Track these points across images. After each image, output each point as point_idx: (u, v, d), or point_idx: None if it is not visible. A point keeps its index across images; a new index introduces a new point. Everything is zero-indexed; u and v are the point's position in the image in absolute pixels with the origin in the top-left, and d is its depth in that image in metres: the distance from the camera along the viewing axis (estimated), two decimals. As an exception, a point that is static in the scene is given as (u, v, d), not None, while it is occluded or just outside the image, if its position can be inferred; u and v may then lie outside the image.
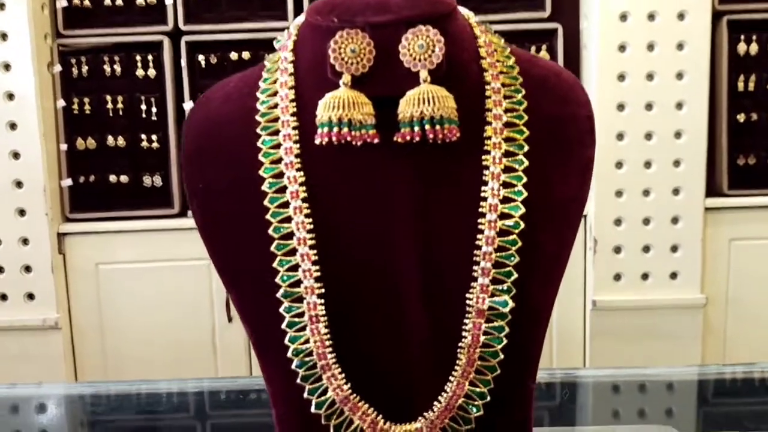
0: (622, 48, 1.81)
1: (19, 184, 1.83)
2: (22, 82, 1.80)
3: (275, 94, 0.63)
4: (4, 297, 1.87)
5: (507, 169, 0.61)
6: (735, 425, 1.24)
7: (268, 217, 0.61)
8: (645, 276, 1.85)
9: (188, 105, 1.91)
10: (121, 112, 1.91)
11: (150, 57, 1.90)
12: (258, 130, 0.63)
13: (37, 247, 1.84)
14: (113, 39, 1.89)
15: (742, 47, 1.88)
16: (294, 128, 0.62)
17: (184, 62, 1.89)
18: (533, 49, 1.89)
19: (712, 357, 1.88)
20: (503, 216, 0.60)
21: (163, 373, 1.88)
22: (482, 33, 0.65)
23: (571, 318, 1.87)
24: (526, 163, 0.61)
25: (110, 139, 1.91)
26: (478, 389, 0.60)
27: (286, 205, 0.61)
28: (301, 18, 0.66)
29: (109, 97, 1.90)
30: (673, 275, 1.84)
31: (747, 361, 1.85)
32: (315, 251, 0.60)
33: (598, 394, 1.41)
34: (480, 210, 0.60)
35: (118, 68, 1.90)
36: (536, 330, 0.63)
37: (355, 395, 0.60)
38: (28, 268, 1.86)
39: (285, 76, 0.64)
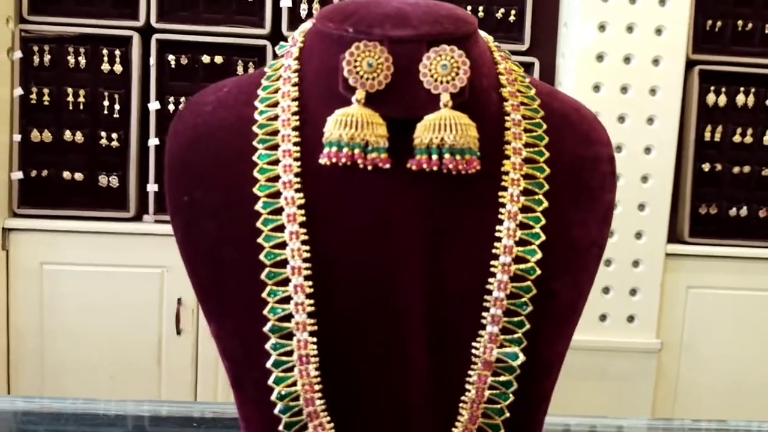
0: (596, 88, 1.82)
1: (-36, 173, 1.74)
2: (-23, 66, 1.71)
3: (276, 104, 0.57)
4: (-63, 291, 1.76)
5: (525, 209, 0.56)
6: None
7: (260, 240, 0.55)
8: (603, 317, 1.85)
9: (153, 105, 1.83)
10: (81, 107, 1.83)
11: (117, 52, 1.83)
12: (254, 143, 0.56)
13: (-21, 241, 1.75)
14: (80, 29, 1.81)
15: (711, 98, 1.91)
16: (295, 144, 0.56)
17: (153, 60, 1.82)
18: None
19: (663, 402, 1.89)
20: (518, 260, 0.55)
21: (103, 386, 1.79)
22: (502, 60, 0.61)
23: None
24: (546, 203, 0.56)
25: (68, 134, 1.83)
26: None
27: (281, 228, 0.55)
28: (308, 24, 0.60)
29: (70, 90, 1.82)
30: (631, 318, 1.85)
31: (697, 408, 1.87)
32: (310, 283, 0.54)
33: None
34: (493, 251, 0.55)
35: (82, 60, 1.82)
36: (546, 386, 0.58)
37: None
38: (-34, 263, 1.76)
39: (288, 86, 0.57)
